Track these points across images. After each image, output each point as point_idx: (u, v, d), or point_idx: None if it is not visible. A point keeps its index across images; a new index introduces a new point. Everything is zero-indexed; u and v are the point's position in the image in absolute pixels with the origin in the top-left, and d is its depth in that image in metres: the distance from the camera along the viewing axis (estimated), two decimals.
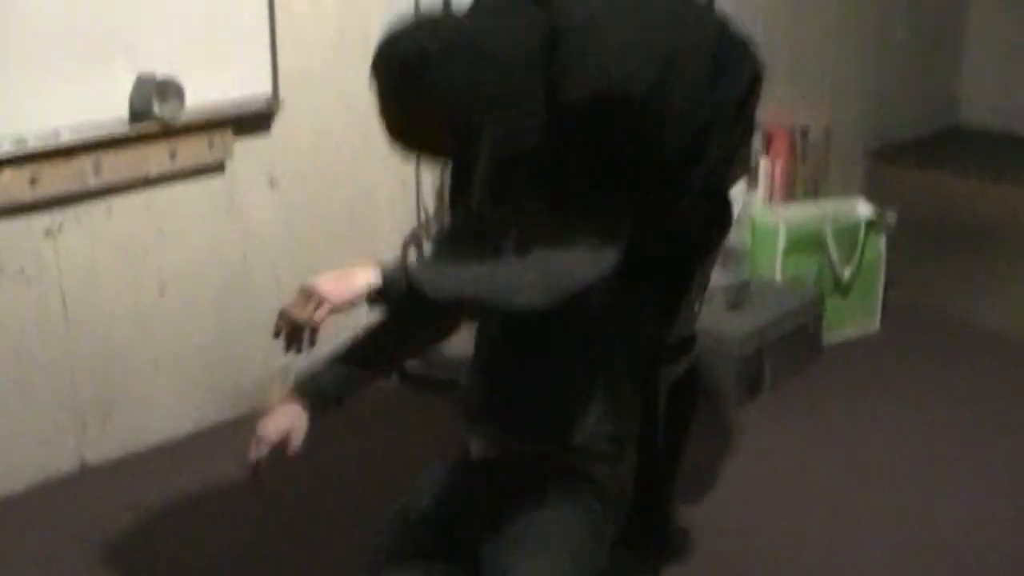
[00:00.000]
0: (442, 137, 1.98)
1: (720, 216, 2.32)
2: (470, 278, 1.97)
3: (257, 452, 2.00)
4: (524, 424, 2.21)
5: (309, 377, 2.11)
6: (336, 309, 1.86)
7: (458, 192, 2.28)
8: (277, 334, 1.91)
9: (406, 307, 1.96)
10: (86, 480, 2.97)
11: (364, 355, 2.15)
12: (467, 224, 2.25)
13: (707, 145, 2.12)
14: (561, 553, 2.04)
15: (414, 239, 3.51)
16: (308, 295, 1.88)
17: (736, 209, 2.40)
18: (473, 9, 2.10)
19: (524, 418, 2.22)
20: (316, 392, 2.07)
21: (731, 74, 2.18)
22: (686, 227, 2.22)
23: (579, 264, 2.01)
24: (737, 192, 2.38)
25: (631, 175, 2.04)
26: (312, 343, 1.90)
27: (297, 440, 2.03)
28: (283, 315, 1.90)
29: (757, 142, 3.95)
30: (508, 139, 2.00)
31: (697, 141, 2.10)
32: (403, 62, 1.93)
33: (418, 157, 2.16)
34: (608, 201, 2.06)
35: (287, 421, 2.03)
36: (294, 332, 1.89)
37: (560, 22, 1.99)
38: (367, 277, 1.86)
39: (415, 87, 1.93)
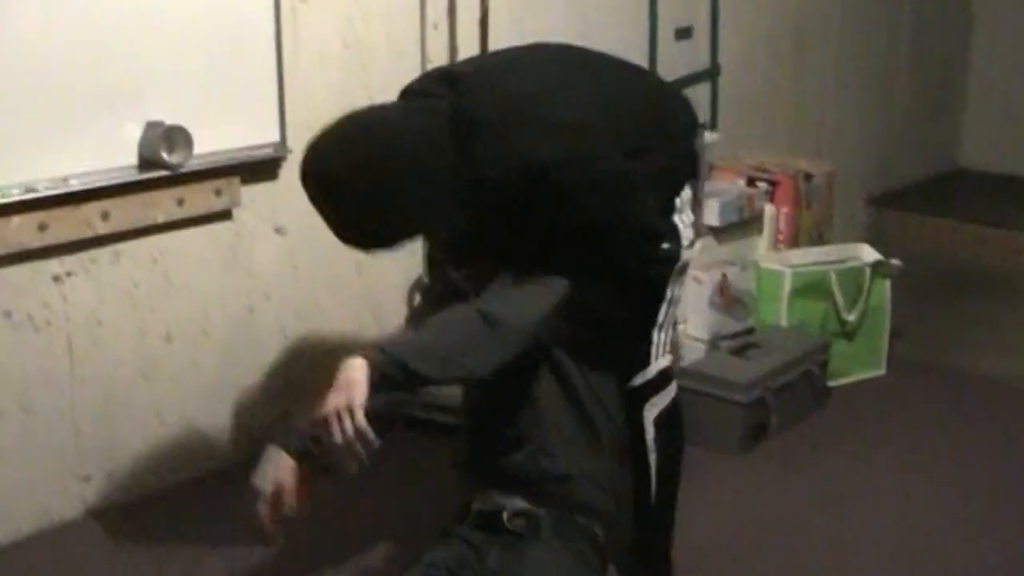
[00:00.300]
0: (377, 236, 2.20)
1: (655, 251, 2.42)
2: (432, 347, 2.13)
3: (260, 507, 2.12)
4: (503, 474, 2.35)
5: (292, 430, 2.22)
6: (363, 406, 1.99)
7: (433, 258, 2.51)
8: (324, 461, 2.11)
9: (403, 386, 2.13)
10: (89, 526, 2.96)
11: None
12: (441, 287, 2.45)
13: (636, 201, 2.31)
14: None
15: (420, 288, 3.51)
16: (336, 408, 1.98)
17: (687, 232, 2.50)
18: (392, 107, 2.31)
19: (502, 467, 2.35)
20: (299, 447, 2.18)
21: (664, 132, 2.42)
22: (625, 271, 2.38)
23: (526, 306, 2.22)
24: (684, 231, 2.50)
25: (561, 235, 2.24)
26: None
27: (290, 490, 2.14)
28: (323, 427, 2.01)
29: (760, 188, 3.98)
30: (437, 218, 2.22)
31: (622, 200, 2.29)
32: (319, 181, 2.15)
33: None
34: (544, 259, 2.27)
35: (278, 473, 2.14)
36: (343, 437, 1.99)
37: (471, 106, 2.20)
38: (361, 368, 2.01)
39: (336, 202, 2.15)
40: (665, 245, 2.41)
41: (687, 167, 2.53)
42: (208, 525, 2.91)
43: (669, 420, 2.53)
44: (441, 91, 2.26)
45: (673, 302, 2.50)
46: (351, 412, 1.97)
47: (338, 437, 1.98)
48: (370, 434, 1.99)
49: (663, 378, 2.51)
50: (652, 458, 2.50)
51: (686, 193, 2.49)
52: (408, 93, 2.36)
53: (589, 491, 2.34)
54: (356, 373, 2.00)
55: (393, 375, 2.03)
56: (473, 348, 2.15)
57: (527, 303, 2.23)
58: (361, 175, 2.11)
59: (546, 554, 2.26)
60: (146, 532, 2.93)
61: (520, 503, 2.31)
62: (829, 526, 2.99)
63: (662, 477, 2.53)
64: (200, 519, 2.95)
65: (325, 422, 1.99)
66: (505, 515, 2.31)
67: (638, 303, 2.44)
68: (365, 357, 2.02)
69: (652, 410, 2.49)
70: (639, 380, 2.47)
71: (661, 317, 2.47)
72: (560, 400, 2.36)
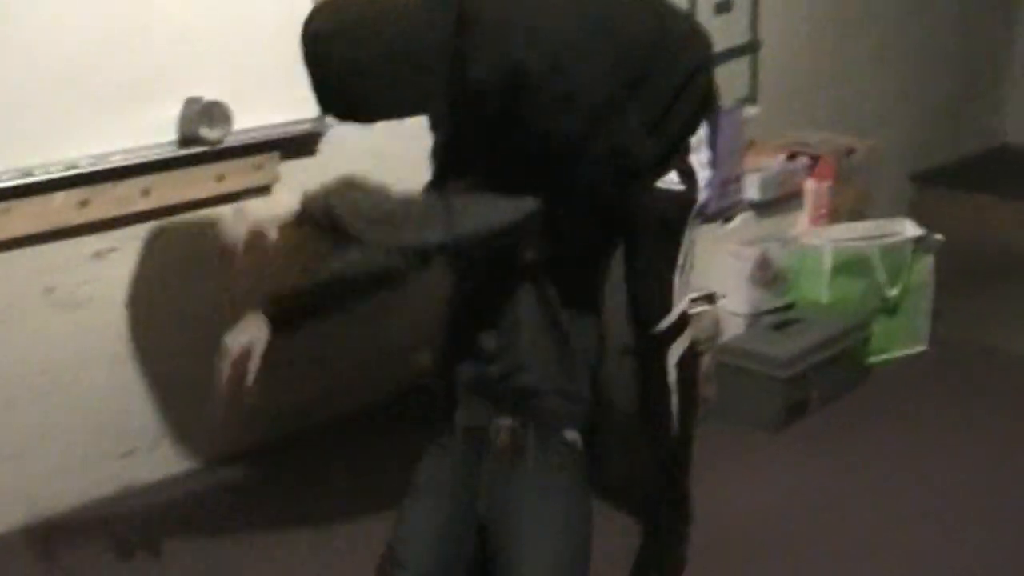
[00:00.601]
0: (353, 103, 2.28)
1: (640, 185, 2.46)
2: (384, 210, 2.28)
3: (224, 365, 2.22)
4: (483, 387, 2.43)
5: (274, 297, 2.33)
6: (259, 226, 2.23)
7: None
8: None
9: (328, 233, 2.26)
10: (129, 501, 2.99)
11: (323, 291, 2.35)
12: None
13: (612, 124, 2.34)
14: (558, 533, 2.26)
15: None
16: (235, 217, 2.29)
17: (703, 173, 2.54)
18: None
19: (480, 380, 2.44)
20: (279, 313, 2.28)
21: (666, 63, 2.41)
22: (594, 192, 2.43)
23: (486, 213, 2.29)
24: (700, 172, 2.54)
25: (535, 147, 2.32)
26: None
27: (259, 351, 2.24)
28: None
29: (801, 163, 3.94)
30: (414, 101, 2.28)
31: (597, 120, 2.32)
32: (311, 36, 2.24)
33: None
34: (520, 167, 2.34)
35: (252, 333, 2.25)
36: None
37: (476, 11, 2.24)
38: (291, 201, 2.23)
39: (329, 55, 2.23)
40: (671, 186, 2.48)
41: (698, 105, 2.52)
42: (255, 500, 2.93)
43: (690, 361, 2.61)
44: None
45: (692, 246, 2.56)
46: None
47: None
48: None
49: (684, 321, 2.57)
50: (674, 400, 2.58)
51: (702, 131, 2.53)
52: None
53: (564, 405, 2.43)
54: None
55: (318, 218, 2.25)
56: (417, 222, 2.28)
57: (489, 212, 2.31)
58: (351, 35, 2.22)
59: (531, 476, 2.35)
60: (188, 510, 2.96)
61: (504, 419, 2.40)
62: (866, 506, 2.98)
63: (682, 417, 2.61)
64: (246, 495, 2.98)
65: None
66: (491, 431, 2.39)
67: (639, 238, 2.51)
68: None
69: (675, 353, 2.56)
70: (664, 323, 2.53)
71: (681, 259, 2.53)
72: (538, 320, 2.42)
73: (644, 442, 2.68)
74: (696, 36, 2.57)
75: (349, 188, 2.40)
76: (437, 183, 2.47)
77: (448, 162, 2.47)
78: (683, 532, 2.69)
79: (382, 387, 3.43)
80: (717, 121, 2.69)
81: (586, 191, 2.42)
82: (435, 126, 2.48)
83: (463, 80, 2.24)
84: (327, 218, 2.28)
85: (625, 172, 2.43)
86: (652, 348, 2.57)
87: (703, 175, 2.55)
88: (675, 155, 2.51)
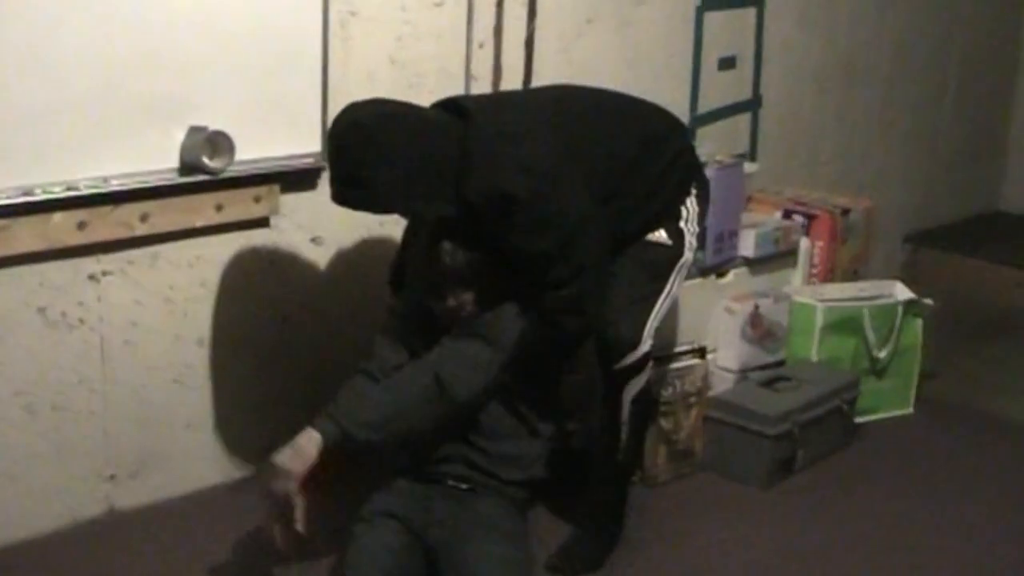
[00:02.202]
0: (373, 195, 2.52)
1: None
2: (388, 411, 2.58)
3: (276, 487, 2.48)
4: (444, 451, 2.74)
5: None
6: (300, 478, 2.46)
7: (399, 277, 2.91)
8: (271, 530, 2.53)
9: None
10: (113, 527, 2.97)
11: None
12: (409, 311, 2.79)
13: (584, 245, 2.60)
14: (503, 538, 2.61)
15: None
16: (275, 474, 2.48)
17: (691, 240, 2.89)
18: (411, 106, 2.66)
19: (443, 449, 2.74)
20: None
21: (644, 171, 2.77)
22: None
23: (469, 379, 2.61)
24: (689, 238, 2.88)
25: (521, 260, 2.60)
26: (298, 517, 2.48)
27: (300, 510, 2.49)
28: (267, 494, 2.51)
29: (797, 221, 3.96)
30: (424, 204, 2.56)
31: (572, 241, 2.58)
32: (343, 129, 2.53)
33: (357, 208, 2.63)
34: (510, 279, 2.64)
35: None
36: (281, 504, 2.48)
37: (472, 135, 2.56)
38: (315, 442, 2.49)
39: (355, 150, 2.49)
40: (660, 240, 2.82)
41: (678, 189, 2.87)
42: (234, 532, 2.92)
43: (642, 398, 2.85)
44: (456, 119, 2.62)
45: (672, 299, 2.85)
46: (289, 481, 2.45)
47: (278, 492, 2.47)
48: (299, 510, 2.47)
49: (645, 361, 2.78)
50: (623, 430, 2.84)
51: (692, 206, 2.88)
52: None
53: (517, 471, 2.75)
54: (307, 444, 2.49)
55: (343, 443, 2.50)
56: (420, 413, 2.60)
57: (479, 366, 2.62)
58: (370, 133, 2.49)
59: (490, 502, 2.69)
60: (170, 536, 2.94)
61: (460, 468, 2.71)
62: (853, 564, 2.97)
63: (628, 449, 2.90)
64: (227, 525, 2.96)
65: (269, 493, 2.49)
66: (449, 480, 2.72)
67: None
68: (319, 430, 2.50)
69: (631, 390, 2.79)
70: (628, 360, 2.74)
71: (658, 306, 2.78)
72: (501, 404, 2.73)
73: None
74: (674, 131, 2.93)
75: (350, 403, 2.60)
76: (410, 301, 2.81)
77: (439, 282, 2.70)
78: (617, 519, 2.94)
79: None
80: (707, 198, 2.98)
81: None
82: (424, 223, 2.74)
83: (465, 203, 2.55)
84: (355, 445, 2.54)
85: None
86: (612, 380, 2.77)
87: (692, 241, 2.87)
88: (662, 221, 2.83)
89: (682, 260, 2.85)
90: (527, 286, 2.62)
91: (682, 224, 2.86)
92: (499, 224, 2.56)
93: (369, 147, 2.48)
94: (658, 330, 2.82)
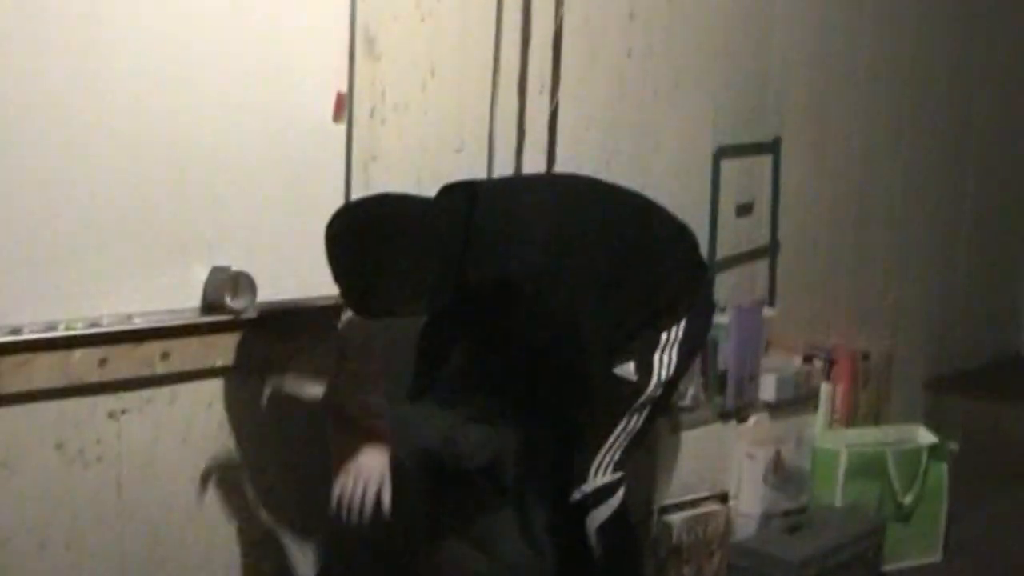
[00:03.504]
0: (364, 300, 2.60)
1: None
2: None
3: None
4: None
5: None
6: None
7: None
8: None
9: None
10: None
11: None
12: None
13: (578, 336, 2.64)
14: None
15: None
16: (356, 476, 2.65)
17: (662, 372, 2.81)
18: (421, 198, 2.71)
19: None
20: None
21: (645, 268, 2.77)
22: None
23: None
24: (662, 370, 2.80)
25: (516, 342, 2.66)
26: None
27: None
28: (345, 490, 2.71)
29: (817, 365, 3.95)
30: (421, 302, 2.61)
31: (572, 322, 2.61)
32: (331, 235, 2.59)
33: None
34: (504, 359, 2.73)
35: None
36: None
37: (478, 223, 2.58)
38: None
39: (338, 256, 2.57)
40: (625, 375, 2.73)
41: (678, 303, 2.83)
42: None
43: (613, 528, 2.79)
44: (463, 201, 2.64)
45: (630, 433, 2.76)
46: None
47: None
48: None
49: (605, 492, 2.75)
50: (596, 556, 2.79)
51: (679, 331, 2.78)
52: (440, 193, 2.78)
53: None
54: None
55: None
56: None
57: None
58: (363, 237, 2.55)
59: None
60: None
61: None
62: None
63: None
64: None
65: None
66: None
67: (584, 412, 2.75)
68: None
69: (595, 520, 2.76)
70: (578, 495, 2.74)
71: (611, 439, 2.73)
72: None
73: None
74: (682, 238, 2.92)
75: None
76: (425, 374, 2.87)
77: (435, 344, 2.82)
78: None
79: None
80: (705, 326, 2.96)
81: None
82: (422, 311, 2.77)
83: (462, 282, 2.58)
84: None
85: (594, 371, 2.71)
86: (571, 512, 2.77)
87: (662, 374, 2.78)
88: (640, 344, 2.78)
89: (643, 396, 2.77)
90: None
91: (656, 355, 2.78)
92: (497, 311, 2.60)
93: (341, 257, 2.59)
94: (624, 463, 2.77)
